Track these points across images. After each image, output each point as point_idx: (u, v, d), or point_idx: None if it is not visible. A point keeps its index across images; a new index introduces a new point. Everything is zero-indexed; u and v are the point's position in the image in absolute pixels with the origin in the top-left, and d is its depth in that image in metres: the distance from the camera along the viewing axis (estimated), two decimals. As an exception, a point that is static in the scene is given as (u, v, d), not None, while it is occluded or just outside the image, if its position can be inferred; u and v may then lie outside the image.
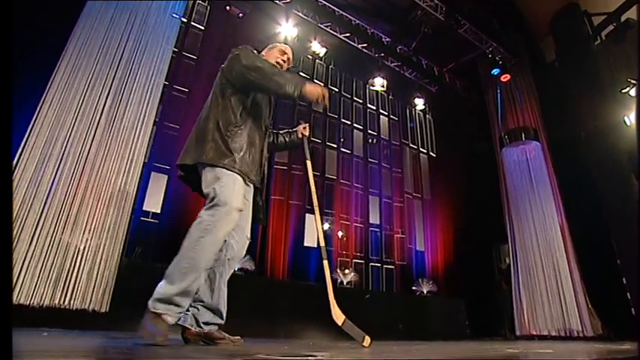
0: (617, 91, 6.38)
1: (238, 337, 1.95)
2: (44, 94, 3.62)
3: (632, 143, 6.15)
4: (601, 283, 6.18)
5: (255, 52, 2.06)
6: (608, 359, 1.56)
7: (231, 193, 1.76)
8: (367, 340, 1.92)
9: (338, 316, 1.94)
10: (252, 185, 1.97)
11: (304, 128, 2.36)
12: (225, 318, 1.92)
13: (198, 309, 1.85)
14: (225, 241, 1.86)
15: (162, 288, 1.62)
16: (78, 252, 3.39)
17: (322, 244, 2.09)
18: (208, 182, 1.79)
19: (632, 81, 6.29)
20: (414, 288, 7.06)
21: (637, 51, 5.81)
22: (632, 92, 6.27)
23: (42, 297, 3.13)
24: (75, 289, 3.30)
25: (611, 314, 5.91)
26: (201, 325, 1.84)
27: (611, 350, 2.61)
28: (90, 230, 3.52)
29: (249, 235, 2.01)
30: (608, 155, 6.22)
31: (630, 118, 6.31)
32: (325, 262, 2.04)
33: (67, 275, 3.29)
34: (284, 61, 2.25)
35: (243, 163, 1.84)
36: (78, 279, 3.33)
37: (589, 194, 6.44)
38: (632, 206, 5.84)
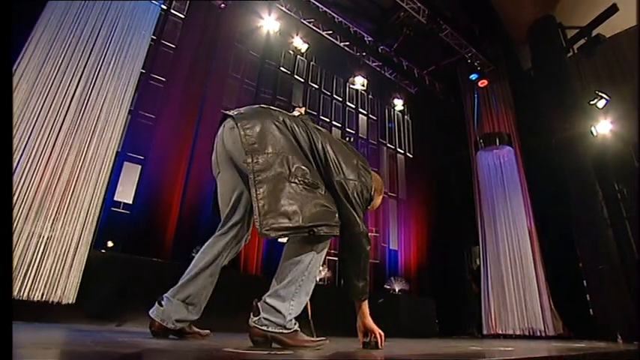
0: (585, 103, 6.65)
1: (208, 332, 1.92)
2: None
3: (598, 152, 6.45)
4: (564, 285, 6.46)
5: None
6: (563, 356, 1.64)
7: None
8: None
9: None
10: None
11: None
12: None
13: (172, 303, 1.79)
14: (232, 244, 1.85)
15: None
16: (42, 241, 3.27)
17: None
18: None
19: (600, 94, 6.57)
20: (386, 286, 7.17)
21: (637, 54, 6.02)
22: (600, 104, 6.56)
23: None
24: (38, 280, 3.18)
25: (571, 315, 6.20)
26: (174, 322, 1.78)
27: (569, 348, 2.74)
28: (56, 219, 3.39)
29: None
30: (575, 163, 6.49)
31: (597, 129, 6.61)
32: None
33: (28, 265, 3.15)
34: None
35: None
36: (41, 269, 3.21)
37: (557, 200, 6.71)
38: (594, 212, 6.13)
